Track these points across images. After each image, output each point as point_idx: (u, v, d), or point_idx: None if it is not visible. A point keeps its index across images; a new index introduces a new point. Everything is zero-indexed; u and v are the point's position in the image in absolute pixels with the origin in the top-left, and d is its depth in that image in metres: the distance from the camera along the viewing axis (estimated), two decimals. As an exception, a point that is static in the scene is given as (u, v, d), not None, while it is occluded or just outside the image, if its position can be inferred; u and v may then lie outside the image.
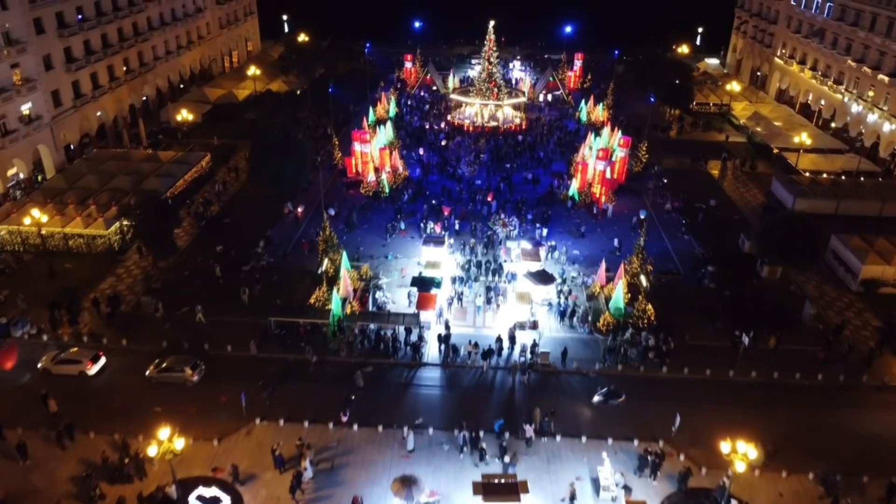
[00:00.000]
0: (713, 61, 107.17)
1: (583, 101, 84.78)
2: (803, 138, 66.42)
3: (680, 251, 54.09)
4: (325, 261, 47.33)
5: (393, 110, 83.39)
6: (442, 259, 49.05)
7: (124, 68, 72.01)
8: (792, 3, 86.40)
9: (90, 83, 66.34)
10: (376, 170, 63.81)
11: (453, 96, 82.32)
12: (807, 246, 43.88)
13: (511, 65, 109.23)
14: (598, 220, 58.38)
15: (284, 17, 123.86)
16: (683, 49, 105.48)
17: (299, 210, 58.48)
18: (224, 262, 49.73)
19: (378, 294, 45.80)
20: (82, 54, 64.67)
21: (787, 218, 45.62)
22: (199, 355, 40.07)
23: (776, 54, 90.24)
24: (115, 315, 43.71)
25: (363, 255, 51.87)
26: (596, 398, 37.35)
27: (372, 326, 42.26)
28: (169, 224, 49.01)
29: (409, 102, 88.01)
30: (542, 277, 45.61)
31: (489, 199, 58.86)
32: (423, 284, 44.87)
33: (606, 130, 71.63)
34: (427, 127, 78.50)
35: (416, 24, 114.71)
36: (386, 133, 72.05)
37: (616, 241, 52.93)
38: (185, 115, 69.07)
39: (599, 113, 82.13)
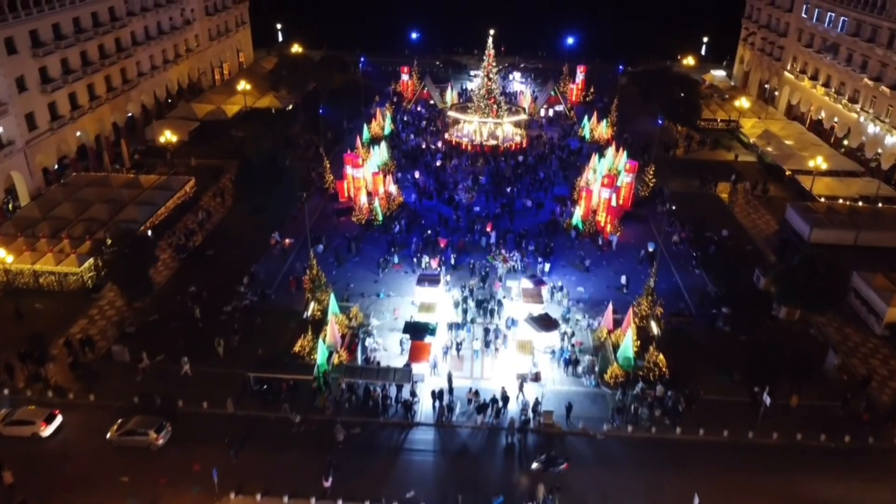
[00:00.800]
0: (719, 73, 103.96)
1: (585, 118, 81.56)
2: (818, 162, 63.08)
3: (690, 287, 50.82)
4: (312, 304, 44.08)
5: (388, 127, 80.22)
6: (437, 300, 45.77)
7: (106, 87, 68.64)
8: (803, 15, 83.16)
9: (68, 104, 63.04)
10: (369, 194, 60.64)
11: (451, 113, 79.07)
12: (830, 290, 40.58)
13: (511, 76, 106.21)
14: (603, 251, 55.11)
15: (278, 26, 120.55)
16: (689, 60, 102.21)
17: (287, 241, 55.20)
18: (204, 303, 46.45)
19: (368, 341, 42.53)
20: (59, 74, 61.37)
21: (808, 259, 42.28)
22: (168, 414, 36.82)
23: (786, 68, 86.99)
24: (77, 365, 40.48)
25: (353, 293, 48.61)
26: (535, 465, 34.15)
27: (360, 381, 38.99)
28: (144, 263, 45.69)
29: (405, 118, 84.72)
30: (545, 323, 42.35)
31: (488, 228, 55.59)
32: (417, 331, 41.59)
33: (611, 151, 68.50)
34: (423, 146, 75.15)
35: (414, 36, 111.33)
36: (380, 153, 69.05)
37: (623, 279, 49.66)
38: (168, 136, 65.75)
39: (603, 130, 78.96)
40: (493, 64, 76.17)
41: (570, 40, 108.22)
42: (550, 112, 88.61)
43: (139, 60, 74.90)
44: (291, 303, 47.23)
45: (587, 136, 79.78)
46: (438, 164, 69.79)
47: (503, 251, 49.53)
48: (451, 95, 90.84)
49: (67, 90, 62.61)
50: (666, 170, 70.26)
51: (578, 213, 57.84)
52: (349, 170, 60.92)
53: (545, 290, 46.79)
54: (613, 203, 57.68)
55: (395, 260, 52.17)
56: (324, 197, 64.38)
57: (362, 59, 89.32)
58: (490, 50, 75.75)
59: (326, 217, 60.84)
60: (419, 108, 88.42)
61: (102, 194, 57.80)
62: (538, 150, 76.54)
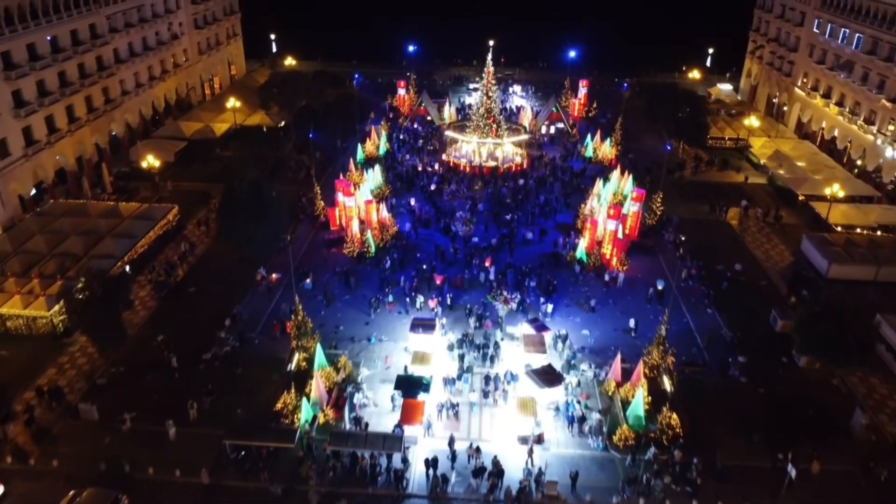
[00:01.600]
0: (726, 87, 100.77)
1: (588, 137, 78.38)
2: (835, 189, 59.87)
3: (703, 327, 47.62)
4: (296, 356, 40.92)
5: (384, 146, 77.03)
6: (431, 349, 42.57)
7: (87, 108, 65.41)
8: (814, 30, 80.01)
9: (45, 127, 59.83)
10: (361, 222, 57.48)
11: (448, 133, 75.85)
12: (858, 346, 37.39)
13: (510, 90, 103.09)
14: (609, 286, 51.90)
15: (272, 37, 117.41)
16: (694, 74, 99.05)
17: (273, 277, 51.98)
18: (182, 350, 43.26)
19: (357, 396, 39.33)
20: (35, 97, 58.13)
21: (831, 307, 39.08)
22: (133, 484, 33.61)
23: (796, 84, 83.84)
24: (32, 422, 37.41)
25: (342, 338, 45.44)
26: None
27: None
28: (118, 307, 42.45)
29: (401, 137, 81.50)
30: (548, 378, 39.18)
31: (487, 263, 52.38)
32: (409, 387, 38.42)
33: (616, 175, 65.48)
34: (420, 168, 71.94)
35: (411, 49, 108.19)
36: (374, 177, 65.93)
37: (632, 322, 46.40)
38: (150, 160, 62.52)
39: (607, 149, 75.79)
40: (493, 82, 73.01)
41: (573, 53, 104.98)
42: (552, 129, 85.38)
43: (123, 79, 71.67)
44: (276, 349, 44.05)
45: (590, 155, 76.59)
46: (433, 188, 66.51)
47: (504, 292, 46.28)
48: (448, 111, 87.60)
49: (44, 113, 59.39)
50: (673, 193, 67.14)
51: (583, 246, 54.66)
52: (340, 197, 57.80)
53: (548, 337, 43.59)
54: (620, 235, 54.46)
55: (390, 299, 48.92)
56: (314, 225, 61.21)
57: (356, 76, 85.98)
58: (489, 67, 72.58)
59: (316, 248, 57.65)
60: (416, 126, 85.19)
61: (79, 225, 54.57)
62: (539, 171, 73.40)
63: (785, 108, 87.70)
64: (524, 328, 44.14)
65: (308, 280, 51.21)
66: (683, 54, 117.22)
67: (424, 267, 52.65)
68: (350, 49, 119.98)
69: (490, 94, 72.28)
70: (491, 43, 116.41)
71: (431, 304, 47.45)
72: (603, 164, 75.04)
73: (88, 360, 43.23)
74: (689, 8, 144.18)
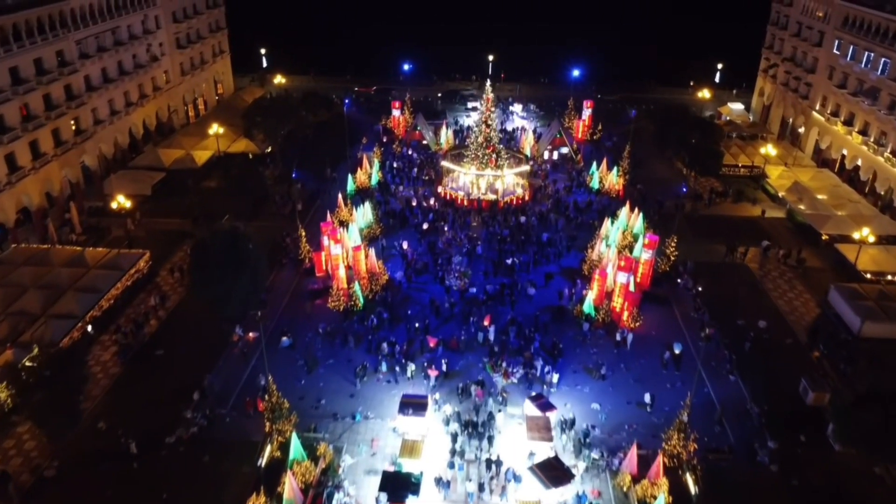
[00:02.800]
0: (737, 106, 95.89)
1: (594, 165, 73.59)
2: (864, 234, 55.05)
3: (725, 398, 42.83)
4: (268, 448, 36.17)
5: (376, 176, 72.26)
6: (424, 433, 37.81)
7: (54, 141, 60.64)
8: (834, 52, 75.17)
9: (5, 166, 55.09)
10: (349, 267, 52.79)
11: (444, 164, 71.02)
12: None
13: (511, 108, 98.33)
14: (620, 346, 47.11)
15: (262, 52, 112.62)
16: (704, 93, 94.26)
17: (251, 335, 47.22)
18: (142, 434, 38.51)
19: (337, 496, 34.55)
20: (-8, 134, 53.49)
21: (881, 398, 34.27)
22: None
23: (814, 108, 79.03)
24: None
25: (323, 415, 40.69)
26: None
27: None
28: (71, 386, 37.69)
29: (395, 165, 76.67)
30: (556, 475, 34.33)
31: (486, 322, 47.57)
32: (396, 488, 33.60)
33: (624, 211, 60.75)
34: (414, 202, 67.08)
35: (406, 67, 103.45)
36: (364, 214, 61.18)
37: (647, 397, 41.56)
38: (121, 200, 57.66)
39: (614, 179, 71.00)
40: (493, 109, 68.22)
41: (576, 72, 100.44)
42: (555, 155, 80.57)
43: (96, 107, 66.87)
44: (248, 430, 39.31)
45: (596, 186, 71.77)
46: (426, 227, 61.67)
47: (504, 362, 41.40)
48: (446, 135, 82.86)
49: (3, 151, 54.62)
50: (685, 229, 62.20)
51: (591, 298, 49.89)
52: (326, 241, 53.06)
53: (553, 417, 38.80)
54: (631, 287, 49.67)
55: (384, 368, 44.06)
56: (298, 270, 56.46)
57: (347, 101, 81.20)
58: (488, 94, 67.79)
59: (299, 298, 52.84)
60: (410, 152, 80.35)
61: (40, 276, 49.82)
62: (542, 204, 68.63)
63: (801, 130, 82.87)
64: (527, 407, 39.33)
65: (286, 338, 46.56)
66: (691, 69, 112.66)
67: (417, 325, 47.83)
68: (344, 64, 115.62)
69: (489, 122, 67.47)
70: (490, 58, 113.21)
71: (432, 373, 42.63)
72: (610, 196, 70.38)
73: (38, 445, 38.46)
74: (696, 21, 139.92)
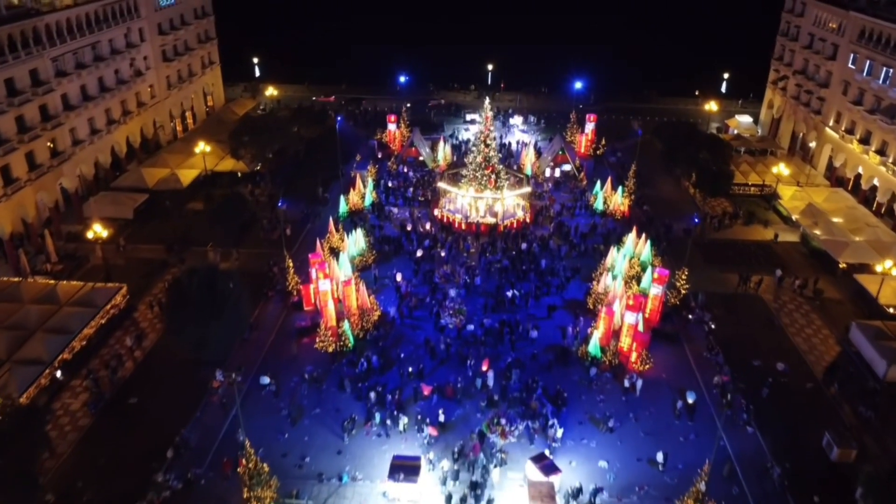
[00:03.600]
0: (745, 119, 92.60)
1: (598, 184, 70.31)
2: (888, 266, 51.73)
3: (743, 454, 39.56)
4: (245, 525, 32.98)
5: (370, 197, 69.00)
6: (416, 498, 34.63)
7: (27, 166, 57.35)
8: (849, 66, 71.81)
9: (-28, 195, 51.86)
10: (338, 301, 49.64)
11: (441, 185, 67.71)
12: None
13: (511, 121, 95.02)
14: (628, 393, 43.83)
15: (255, 60, 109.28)
16: (711, 106, 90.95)
17: (233, 376, 43.81)
18: (108, 497, 35.30)
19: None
20: (-42, 162, 50.18)
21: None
22: None
23: (827, 124, 75.71)
24: None
25: (307, 476, 37.42)
26: None
27: None
28: (31, 450, 34.44)
29: (389, 184, 73.35)
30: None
31: (484, 367, 44.30)
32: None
33: (631, 239, 57.58)
34: (409, 227, 63.75)
35: (403, 80, 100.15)
36: (356, 242, 57.92)
37: (660, 455, 38.25)
38: (97, 230, 54.30)
39: (619, 199, 67.72)
40: (492, 129, 64.92)
41: (578, 85, 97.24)
42: (557, 172, 77.25)
43: (74, 127, 63.55)
44: (225, 494, 36.13)
45: (599, 206, 68.45)
46: (420, 254, 58.37)
47: (502, 421, 38.12)
48: (443, 150, 79.58)
49: (-29, 179, 51.43)
50: (695, 255, 58.74)
51: (596, 338, 46.62)
52: (314, 274, 49.76)
53: (557, 481, 35.55)
54: (640, 327, 46.43)
55: (377, 420, 40.70)
56: (285, 304, 53.18)
57: (339, 119, 77.87)
58: (487, 112, 64.48)
59: (285, 336, 49.55)
60: (406, 170, 77.01)
61: (7, 315, 46.44)
62: (544, 227, 65.37)
63: (812, 145, 79.55)
64: (529, 469, 36.07)
65: (266, 378, 43.39)
66: (696, 78, 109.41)
67: (410, 369, 44.56)
68: (339, 73, 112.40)
69: (488, 142, 64.16)
70: (490, 67, 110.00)
71: (431, 431, 39.34)
72: (614, 218, 67.15)
73: (-6, 513, 35.17)
74: (702, 29, 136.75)
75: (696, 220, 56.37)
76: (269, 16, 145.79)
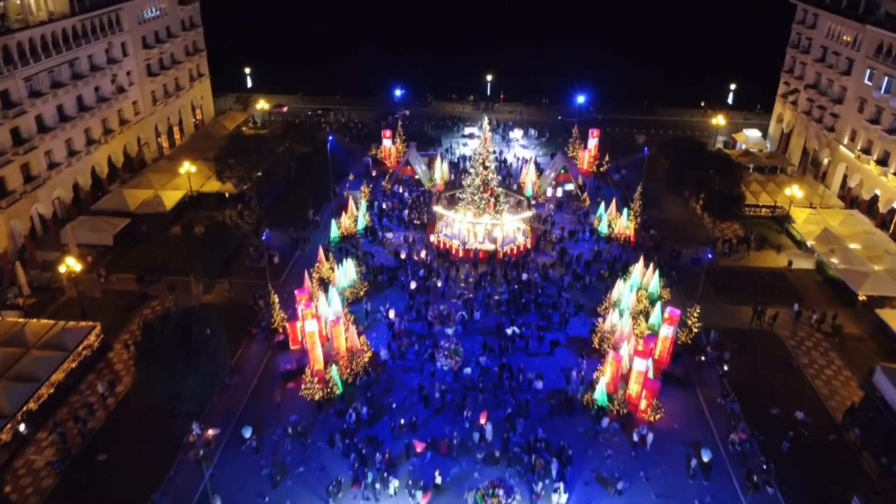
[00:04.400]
0: (753, 134, 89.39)
1: (602, 206, 67.07)
2: (913, 303, 48.52)
3: (763, 518, 36.40)
4: None
5: (363, 220, 65.70)
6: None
7: (-5, 194, 54.20)
8: (866, 82, 68.51)
9: (-65, 228, 48.55)
10: (327, 340, 46.48)
11: (437, 209, 64.44)
12: None
13: (511, 134, 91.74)
14: (638, 447, 40.54)
15: (247, 71, 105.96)
16: (719, 120, 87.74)
17: (210, 433, 40.66)
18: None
19: None
20: (-82, 194, 46.90)
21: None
22: None
23: (842, 142, 72.44)
24: None
25: (290, 548, 34.20)
26: None
27: None
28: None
29: (383, 206, 70.03)
30: None
31: (482, 420, 41.01)
32: None
33: (638, 270, 54.35)
34: (403, 255, 60.43)
35: (398, 93, 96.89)
36: (346, 273, 54.67)
37: (674, 523, 35.07)
38: (70, 264, 50.95)
39: (624, 222, 64.46)
40: (491, 150, 61.65)
41: (581, 98, 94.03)
42: (559, 192, 73.98)
43: (50, 149, 60.30)
44: (198, 572, 32.86)
45: (604, 229, 65.15)
46: (414, 286, 55.02)
47: (499, 492, 34.71)
48: (441, 168, 76.34)
49: (-66, 210, 48.15)
50: (707, 288, 55.55)
51: (603, 385, 43.35)
52: (300, 310, 46.41)
53: (563, 559, 32.32)
54: (651, 373, 43.17)
55: (369, 479, 37.30)
56: (270, 342, 49.91)
57: (330, 137, 74.52)
58: (486, 133, 61.20)
59: (269, 380, 46.22)
60: (401, 190, 73.69)
61: (-30, 360, 43.29)
62: (546, 253, 62.11)
63: (825, 161, 76.28)
64: (531, 544, 32.84)
65: (250, 433, 40.17)
66: (701, 88, 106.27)
67: (402, 421, 41.26)
68: (334, 83, 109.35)
69: (486, 164, 60.86)
70: (489, 78, 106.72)
71: (423, 501, 36.06)
72: (619, 243, 63.91)
73: None
74: (707, 38, 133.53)
75: (711, 256, 53.01)
76: (262, 25, 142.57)
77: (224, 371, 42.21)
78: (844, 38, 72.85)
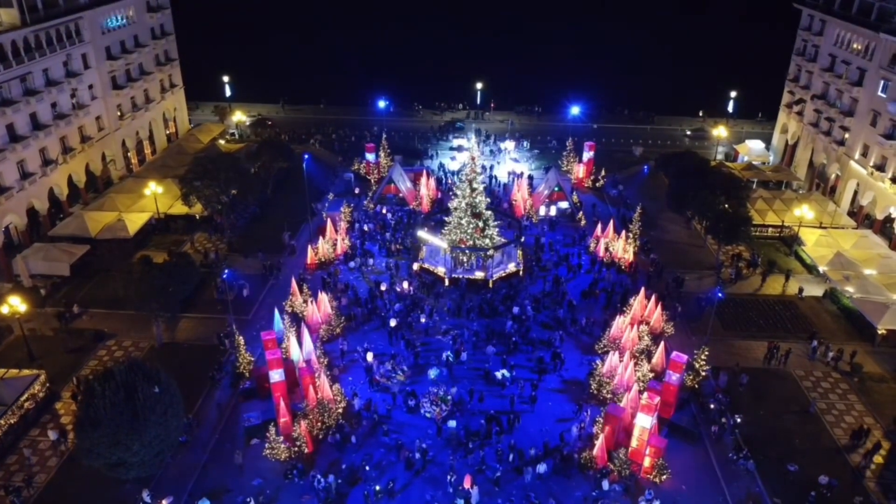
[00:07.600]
0: (756, 145, 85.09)
1: (598, 227, 62.67)
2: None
3: None
4: None
5: (341, 245, 60.98)
6: None
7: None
8: (879, 94, 64.23)
9: None
10: (296, 385, 41.89)
11: (421, 234, 59.80)
12: None
13: (502, 145, 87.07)
14: (643, 513, 36.15)
15: (226, 79, 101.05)
16: (721, 132, 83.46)
17: (163, 503, 36.03)
18: None
19: None
20: None
21: None
22: None
23: (852, 157, 68.20)
24: None
25: None
26: None
27: None
28: None
29: (365, 227, 65.36)
30: None
31: (467, 484, 36.46)
32: None
33: (638, 301, 49.96)
34: (384, 287, 55.74)
35: (382, 104, 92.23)
36: (322, 307, 50.06)
37: None
38: (15, 304, 46.09)
39: (622, 245, 59.97)
40: (478, 171, 57.02)
41: (576, 110, 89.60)
42: (552, 211, 69.45)
43: (1, 172, 55.42)
44: None
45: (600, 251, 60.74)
46: (393, 324, 50.29)
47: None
48: (426, 188, 71.62)
49: None
50: (715, 326, 50.96)
51: (603, 441, 38.86)
52: (268, 356, 41.60)
53: None
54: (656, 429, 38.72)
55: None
56: (235, 388, 45.19)
57: (306, 157, 69.76)
58: (475, 152, 56.71)
59: (231, 436, 41.45)
60: (384, 210, 69.01)
61: None
62: (538, 283, 57.56)
63: (835, 176, 72.06)
64: None
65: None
66: (700, 95, 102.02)
67: (378, 488, 36.66)
68: (317, 92, 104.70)
69: (474, 185, 56.28)
70: (479, 86, 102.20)
71: None
72: (618, 268, 59.45)
73: None
74: (707, 44, 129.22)
75: (721, 296, 48.55)
76: (240, 32, 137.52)
77: (176, 433, 37.42)
78: (855, 46, 68.58)
